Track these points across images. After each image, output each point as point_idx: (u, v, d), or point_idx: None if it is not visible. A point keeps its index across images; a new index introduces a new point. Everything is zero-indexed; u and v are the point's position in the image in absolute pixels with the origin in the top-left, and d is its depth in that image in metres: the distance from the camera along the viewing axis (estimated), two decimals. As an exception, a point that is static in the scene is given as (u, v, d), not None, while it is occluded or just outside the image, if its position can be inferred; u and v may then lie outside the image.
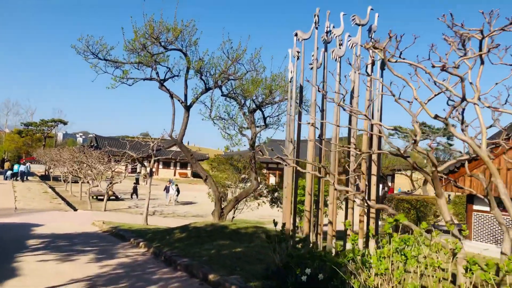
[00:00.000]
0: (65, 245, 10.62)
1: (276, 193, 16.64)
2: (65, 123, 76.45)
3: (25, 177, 39.59)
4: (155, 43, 11.06)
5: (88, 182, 26.95)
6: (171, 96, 12.52)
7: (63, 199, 27.48)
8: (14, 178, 38.94)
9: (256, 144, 12.38)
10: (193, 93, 12.63)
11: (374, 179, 7.83)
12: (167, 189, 33.93)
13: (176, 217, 25.67)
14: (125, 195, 34.37)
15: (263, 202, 18.27)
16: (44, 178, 43.53)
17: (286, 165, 7.67)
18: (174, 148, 64.73)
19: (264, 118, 12.55)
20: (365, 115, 6.00)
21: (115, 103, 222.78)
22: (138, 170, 61.30)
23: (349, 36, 8.24)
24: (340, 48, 8.34)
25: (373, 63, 7.52)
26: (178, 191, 33.61)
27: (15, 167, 40.00)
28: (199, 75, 11.91)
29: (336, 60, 8.23)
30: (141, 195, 36.15)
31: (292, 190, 8.63)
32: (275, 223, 7.46)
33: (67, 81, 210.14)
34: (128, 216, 21.71)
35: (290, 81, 9.14)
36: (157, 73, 12.32)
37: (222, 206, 12.29)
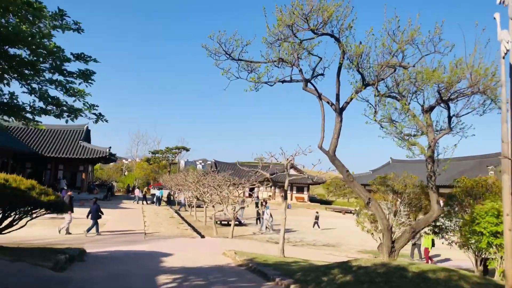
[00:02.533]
0: (200, 285, 8.58)
1: (446, 220, 12.93)
2: (187, 150, 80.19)
3: (160, 202, 42.11)
4: (302, 26, 8.79)
5: (213, 207, 25.88)
6: (319, 96, 10.02)
7: (189, 224, 26.77)
8: (142, 202, 41.37)
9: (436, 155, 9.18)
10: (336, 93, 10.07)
11: None
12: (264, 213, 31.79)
13: (306, 246, 23.00)
14: (247, 220, 32.83)
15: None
16: (169, 203, 44.73)
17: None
18: (290, 172, 63.11)
19: (449, 118, 9.28)
20: None
21: (232, 128, 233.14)
22: (255, 195, 60.84)
23: None
24: None
25: None
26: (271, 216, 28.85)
27: (157, 192, 43.73)
28: (355, 67, 9.26)
29: None
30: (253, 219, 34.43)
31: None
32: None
33: (189, 111, 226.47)
34: (258, 245, 19.63)
35: (503, 58, 5.90)
36: (300, 70, 10.00)
37: (393, 239, 9.23)
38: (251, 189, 61.24)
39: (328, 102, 10.04)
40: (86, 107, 6.38)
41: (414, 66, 8.92)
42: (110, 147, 41.42)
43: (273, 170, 25.59)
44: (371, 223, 14.27)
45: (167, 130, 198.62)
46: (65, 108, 6.05)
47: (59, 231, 19.24)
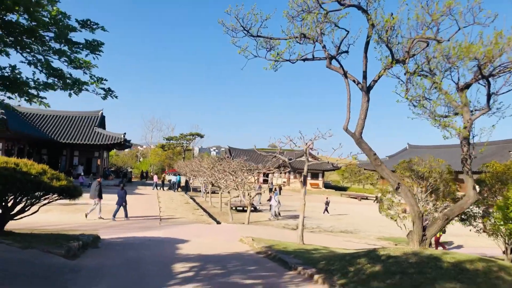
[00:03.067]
0: (218, 274, 8.11)
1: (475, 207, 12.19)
2: (201, 136, 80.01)
3: (176, 187, 42.52)
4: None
5: (228, 193, 25.51)
6: (345, 74, 9.31)
7: (204, 210, 26.49)
8: (160, 188, 42.32)
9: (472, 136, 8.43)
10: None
11: None
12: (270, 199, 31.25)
13: (323, 233, 22.49)
14: (264, 206, 32.40)
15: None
16: (184, 188, 44.58)
17: None
18: (303, 158, 62.46)
19: (489, 96, 8.45)
20: None
21: (246, 115, 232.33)
22: (269, 181, 60.38)
23: None
24: None
25: None
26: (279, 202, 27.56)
27: (173, 178, 44.03)
28: (384, 42, 8.51)
29: None
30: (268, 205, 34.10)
31: None
32: None
33: (203, 98, 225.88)
34: (275, 231, 19.19)
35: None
36: (323, 46, 9.30)
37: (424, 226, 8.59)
38: (266, 175, 60.95)
39: (354, 81, 9.35)
40: (93, 81, 5.86)
41: (449, 40, 8.15)
42: (125, 133, 41.30)
43: (288, 157, 24.97)
44: (395, 210, 13.62)
45: (181, 117, 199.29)
46: (69, 81, 5.53)
47: (86, 216, 19.13)
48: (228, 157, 36.15)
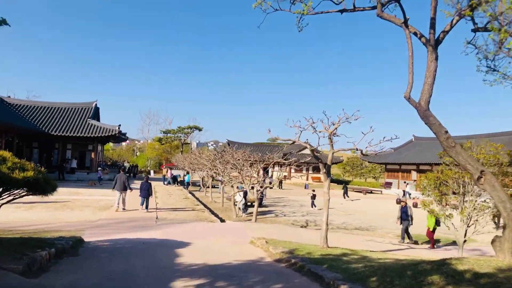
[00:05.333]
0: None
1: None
2: (200, 129, 77.57)
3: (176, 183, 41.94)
4: None
5: (231, 187, 23.28)
6: (405, 23, 7.00)
7: (205, 206, 24.25)
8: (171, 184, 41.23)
9: None
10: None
11: None
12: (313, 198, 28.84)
13: (338, 231, 20.26)
14: (266, 201, 30.21)
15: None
16: (181, 183, 42.36)
17: None
18: (305, 152, 60.34)
19: None
20: None
21: (243, 108, 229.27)
22: (270, 175, 58.23)
23: None
24: None
25: None
26: (245, 198, 22.83)
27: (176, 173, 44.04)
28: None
29: None
30: (271, 200, 32.05)
31: None
32: None
33: (200, 91, 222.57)
34: (287, 230, 16.95)
35: None
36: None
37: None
38: (265, 169, 58.76)
39: (415, 34, 7.09)
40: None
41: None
42: (120, 125, 38.98)
43: (288, 150, 22.51)
44: (441, 205, 11.40)
45: (178, 112, 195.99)
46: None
47: (117, 207, 19.60)
48: (231, 147, 33.76)
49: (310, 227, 20.82)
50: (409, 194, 45.48)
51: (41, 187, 8.14)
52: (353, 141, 11.43)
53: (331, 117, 11.29)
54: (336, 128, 11.36)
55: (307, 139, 12.69)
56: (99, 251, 9.46)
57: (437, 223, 16.28)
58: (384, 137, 11.00)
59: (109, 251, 9.63)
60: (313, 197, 29.30)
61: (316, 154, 11.49)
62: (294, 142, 11.55)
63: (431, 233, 16.90)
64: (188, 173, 41.18)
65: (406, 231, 17.96)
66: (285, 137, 12.59)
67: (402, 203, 18.68)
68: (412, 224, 18.15)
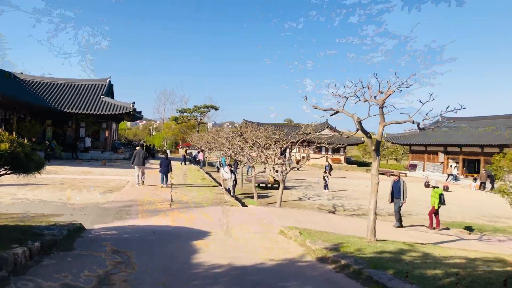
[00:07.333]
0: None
1: None
2: (216, 109, 75.74)
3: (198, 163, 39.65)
4: None
5: (252, 167, 21.46)
6: None
7: (224, 188, 22.48)
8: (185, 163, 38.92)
9: None
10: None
11: None
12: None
13: (363, 217, 18.31)
14: (288, 183, 28.35)
15: None
16: (198, 163, 40.73)
17: None
18: (325, 132, 57.88)
19: None
20: None
21: (260, 90, 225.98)
22: (287, 156, 56.29)
23: None
24: None
25: None
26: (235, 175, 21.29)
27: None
28: None
29: None
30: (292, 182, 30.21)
31: None
32: None
33: (217, 68, 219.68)
34: (317, 216, 15.02)
35: None
36: None
37: None
38: (284, 150, 56.66)
39: None
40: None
41: None
42: (134, 102, 37.33)
43: (307, 130, 20.54)
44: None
45: (194, 92, 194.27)
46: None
47: (139, 184, 19.46)
48: (252, 124, 31.67)
49: (339, 212, 18.93)
50: (455, 178, 40.32)
51: (21, 164, 6.33)
52: (407, 112, 9.35)
53: (381, 82, 9.15)
54: (388, 96, 9.24)
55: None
56: (99, 244, 7.68)
57: (442, 201, 15.47)
58: (447, 107, 8.87)
59: (112, 242, 7.85)
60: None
61: (361, 127, 9.41)
62: (337, 111, 9.48)
63: (433, 212, 15.64)
64: (202, 151, 39.48)
65: (399, 212, 15.82)
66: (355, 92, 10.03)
67: (395, 177, 16.38)
68: (405, 202, 15.97)
